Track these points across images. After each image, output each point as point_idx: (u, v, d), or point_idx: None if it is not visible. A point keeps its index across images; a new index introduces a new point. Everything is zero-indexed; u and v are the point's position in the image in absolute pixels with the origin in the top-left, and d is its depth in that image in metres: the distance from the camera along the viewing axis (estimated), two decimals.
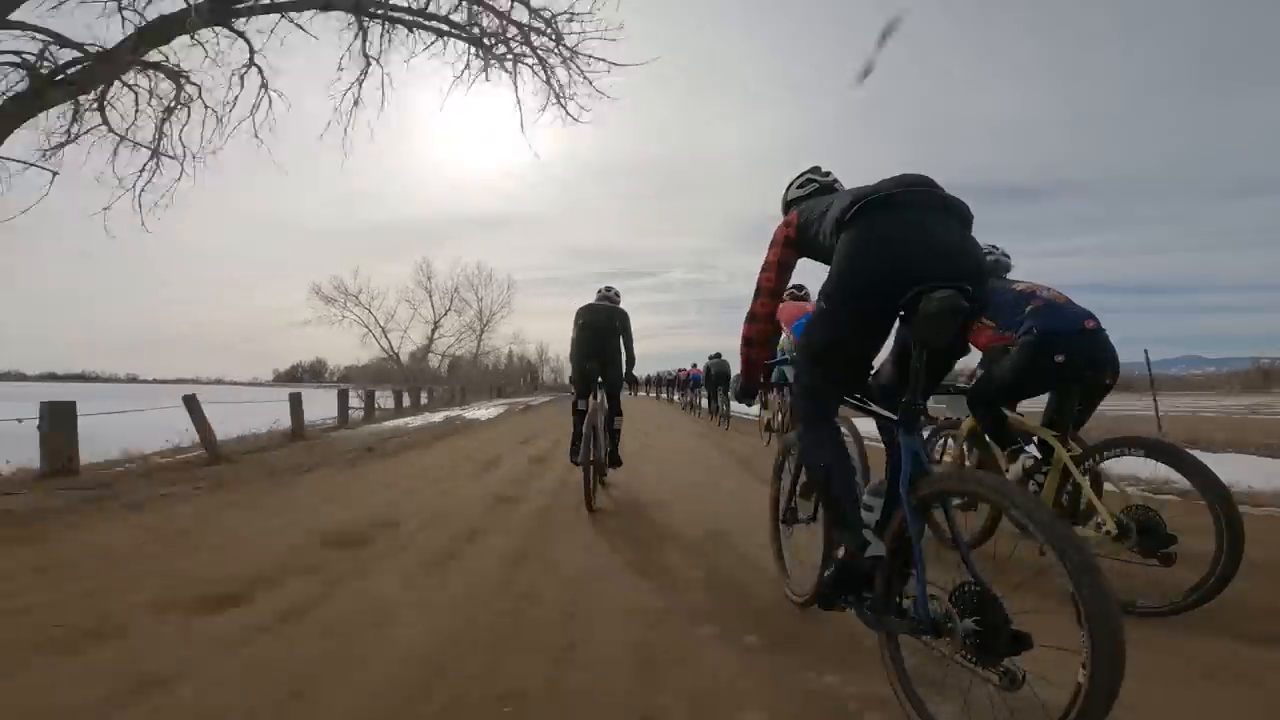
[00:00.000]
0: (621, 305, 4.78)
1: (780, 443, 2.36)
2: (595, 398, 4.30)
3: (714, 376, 12.49)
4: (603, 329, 4.53)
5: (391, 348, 33.32)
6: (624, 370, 4.55)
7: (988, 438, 2.65)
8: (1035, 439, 2.53)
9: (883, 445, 1.61)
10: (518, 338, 42.93)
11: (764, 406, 8.34)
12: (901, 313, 1.46)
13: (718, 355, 12.71)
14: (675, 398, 23.14)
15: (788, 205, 2.03)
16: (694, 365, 19.01)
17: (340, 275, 33.32)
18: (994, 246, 2.86)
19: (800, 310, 3.80)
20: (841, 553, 1.51)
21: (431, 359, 34.66)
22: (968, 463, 2.93)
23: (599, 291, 4.84)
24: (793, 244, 1.84)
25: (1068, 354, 2.38)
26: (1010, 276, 2.81)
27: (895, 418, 1.50)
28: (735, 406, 12.46)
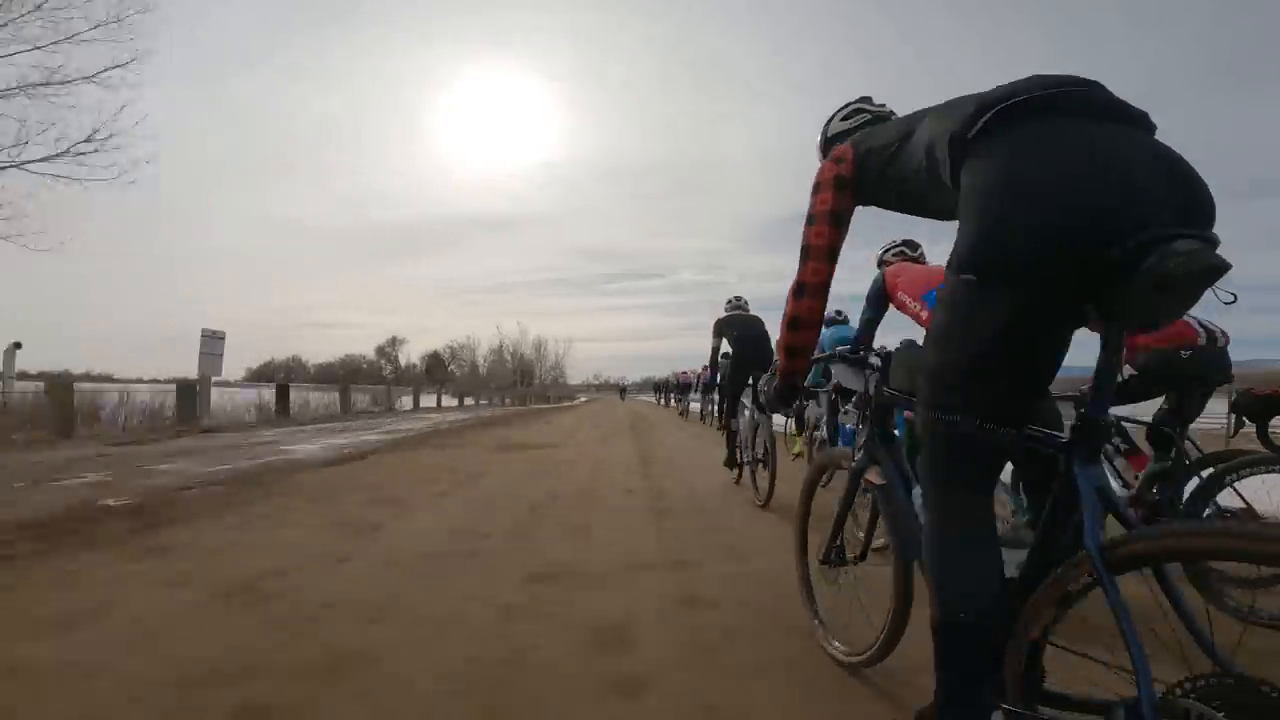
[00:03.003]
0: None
1: (815, 459, 2.16)
2: (750, 401, 4.69)
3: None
4: (761, 337, 5.00)
5: None
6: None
7: None
8: None
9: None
10: None
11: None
12: (1093, 278, 0.99)
13: None
14: (673, 402, 22.03)
15: (829, 143, 1.68)
16: (705, 367, 17.86)
17: None
18: None
19: (932, 277, 2.58)
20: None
21: None
22: None
23: (731, 302, 5.30)
24: (849, 185, 1.42)
25: None
26: None
27: (1064, 439, 1.09)
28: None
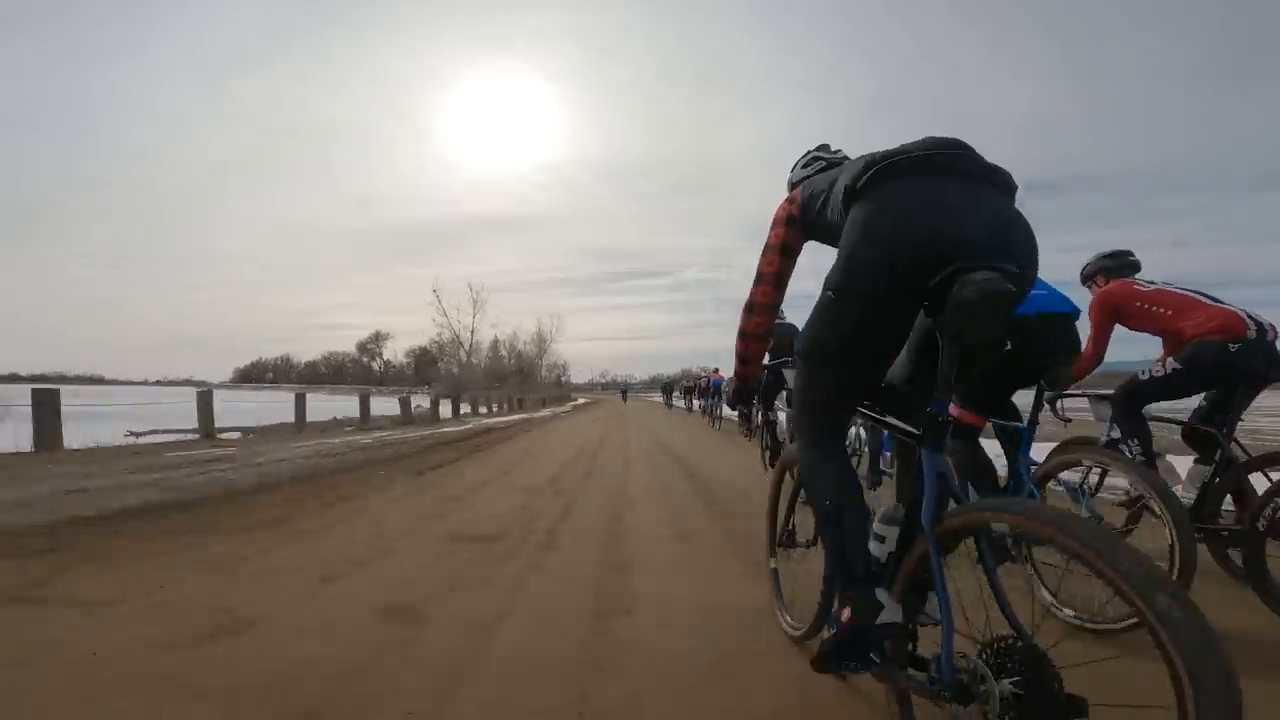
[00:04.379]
0: None
1: (781, 457, 2.26)
2: (784, 404, 4.90)
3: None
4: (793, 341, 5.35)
5: None
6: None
7: None
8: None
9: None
10: None
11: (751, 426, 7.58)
12: (926, 301, 1.25)
13: None
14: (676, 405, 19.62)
15: (792, 187, 1.88)
16: (716, 369, 18.43)
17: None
18: None
19: None
20: (847, 614, 1.31)
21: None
22: None
23: None
24: (796, 223, 1.68)
25: None
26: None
27: (916, 432, 1.34)
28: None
